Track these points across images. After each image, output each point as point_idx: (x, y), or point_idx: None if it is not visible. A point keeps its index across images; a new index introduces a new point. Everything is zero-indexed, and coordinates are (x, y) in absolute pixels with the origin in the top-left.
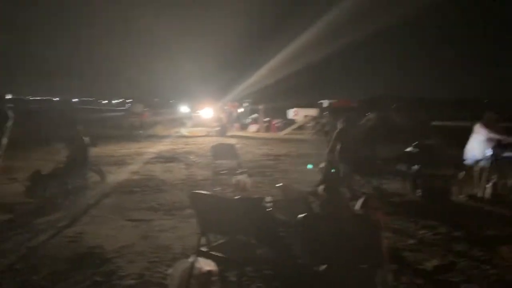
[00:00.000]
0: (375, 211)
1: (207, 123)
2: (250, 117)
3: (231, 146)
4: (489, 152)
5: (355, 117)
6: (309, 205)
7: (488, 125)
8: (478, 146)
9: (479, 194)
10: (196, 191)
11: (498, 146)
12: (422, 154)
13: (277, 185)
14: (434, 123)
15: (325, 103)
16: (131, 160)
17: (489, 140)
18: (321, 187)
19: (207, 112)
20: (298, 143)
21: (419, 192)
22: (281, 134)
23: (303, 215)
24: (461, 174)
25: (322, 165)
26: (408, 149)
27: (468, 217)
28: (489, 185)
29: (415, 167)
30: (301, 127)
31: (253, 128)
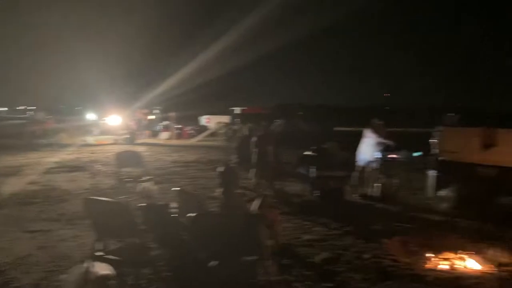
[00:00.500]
0: (270, 210)
1: (115, 131)
2: (161, 124)
3: (137, 154)
4: (377, 154)
5: (265, 123)
6: (203, 207)
7: (376, 131)
8: (368, 149)
9: (370, 193)
10: (91, 197)
11: (385, 149)
12: (318, 157)
13: (172, 188)
14: (336, 128)
15: (237, 110)
16: (30, 170)
17: (378, 143)
18: (218, 190)
19: (115, 119)
20: (209, 150)
21: (316, 193)
22: (193, 141)
23: (193, 214)
24: (355, 175)
25: (221, 169)
26: (307, 153)
27: (358, 214)
28: (377, 185)
29: (313, 169)
30: (213, 134)
31: (164, 135)
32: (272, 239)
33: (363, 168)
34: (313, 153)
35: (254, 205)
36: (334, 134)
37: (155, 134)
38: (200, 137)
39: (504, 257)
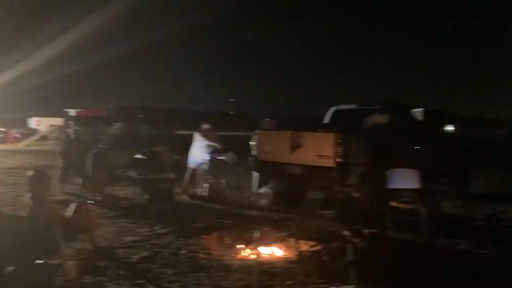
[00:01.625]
0: (86, 215)
1: None
2: None
3: None
4: (206, 156)
5: (103, 126)
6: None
7: (204, 134)
8: (198, 152)
9: (200, 193)
10: None
11: (214, 151)
12: (148, 160)
13: None
14: (179, 132)
15: (72, 112)
16: None
17: (207, 146)
18: (27, 195)
19: None
20: (38, 155)
21: (146, 196)
22: (21, 145)
23: None
24: (186, 176)
25: (29, 173)
26: (137, 156)
27: (185, 214)
28: (207, 185)
29: (142, 172)
30: (45, 137)
31: None
32: (90, 243)
33: (194, 170)
34: (143, 156)
35: (69, 210)
36: (175, 137)
37: None
38: (29, 141)
39: (303, 245)
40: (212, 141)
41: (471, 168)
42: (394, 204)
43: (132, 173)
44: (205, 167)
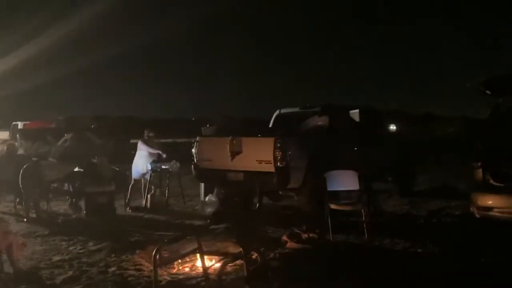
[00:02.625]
0: (5, 236)
1: None
2: None
3: None
4: (149, 166)
5: (51, 138)
6: None
7: (147, 142)
8: (141, 161)
9: (144, 205)
10: None
11: (156, 160)
12: (85, 172)
13: None
14: (133, 140)
15: (20, 125)
16: None
17: (150, 154)
18: None
19: None
20: None
21: (83, 210)
22: None
23: None
24: (128, 188)
25: None
26: (75, 169)
27: (125, 228)
28: (149, 196)
29: (77, 185)
30: None
31: None
32: (11, 265)
33: (136, 181)
34: (80, 169)
35: None
36: (129, 147)
37: None
38: None
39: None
40: (155, 149)
41: (415, 166)
42: (334, 206)
43: (69, 187)
44: (148, 177)
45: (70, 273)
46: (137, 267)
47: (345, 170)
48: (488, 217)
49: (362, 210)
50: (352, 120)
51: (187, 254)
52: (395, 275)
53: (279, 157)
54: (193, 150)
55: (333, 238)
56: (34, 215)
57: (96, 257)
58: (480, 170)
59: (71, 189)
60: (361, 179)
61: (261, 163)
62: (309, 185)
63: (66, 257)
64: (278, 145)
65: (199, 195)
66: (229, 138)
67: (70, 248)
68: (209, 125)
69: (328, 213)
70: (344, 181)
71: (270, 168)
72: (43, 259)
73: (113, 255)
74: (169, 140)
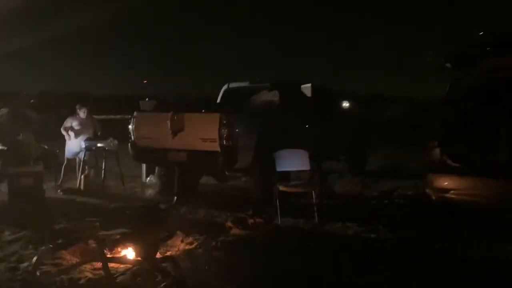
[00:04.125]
0: None
1: None
2: None
3: None
4: (83, 144)
5: None
6: None
7: (80, 119)
8: (74, 139)
9: (78, 186)
10: None
11: (90, 138)
12: (9, 151)
13: None
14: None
15: None
16: None
17: (83, 132)
18: None
19: None
20: None
21: (5, 193)
22: None
23: None
24: (59, 168)
25: None
26: None
27: (51, 213)
28: (83, 176)
29: (1, 165)
30: None
31: None
32: None
33: (69, 160)
34: (3, 147)
35: None
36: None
37: None
38: None
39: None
40: (90, 126)
41: (368, 146)
42: (283, 188)
43: None
44: (82, 156)
45: None
46: (56, 261)
47: (296, 149)
48: (444, 199)
49: (313, 192)
50: (304, 96)
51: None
52: (347, 263)
53: (225, 135)
54: (130, 126)
55: (281, 222)
56: None
57: (10, 249)
58: (437, 150)
59: None
60: (312, 159)
61: (205, 141)
62: (258, 166)
63: None
64: (224, 122)
65: (140, 176)
66: (170, 113)
67: None
68: (148, 99)
69: (276, 196)
70: (295, 161)
71: (215, 147)
72: None
73: (30, 246)
74: (111, 117)
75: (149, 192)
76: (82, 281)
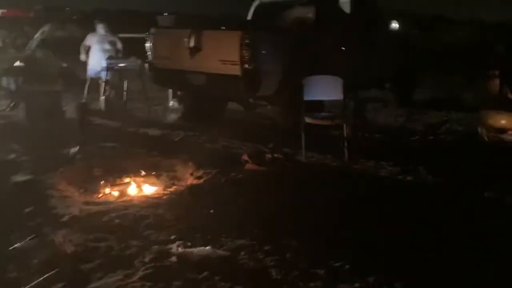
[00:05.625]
0: None
1: None
2: None
3: None
4: (104, 63)
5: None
6: None
7: (101, 36)
8: (96, 58)
9: (99, 107)
10: None
11: (112, 57)
12: (27, 68)
13: None
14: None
15: None
16: None
17: (105, 51)
18: None
19: None
20: None
21: (23, 112)
22: None
23: None
24: (86, 87)
25: None
26: (16, 64)
27: (66, 135)
28: (103, 97)
29: (20, 82)
30: None
31: None
32: None
33: (92, 79)
34: (21, 63)
35: None
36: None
37: None
38: None
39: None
40: (111, 44)
41: (417, 72)
42: (309, 121)
43: (7, 84)
44: (104, 75)
45: None
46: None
47: (326, 75)
48: (500, 140)
49: (344, 126)
50: (343, 12)
51: None
52: (369, 209)
53: (247, 57)
54: (146, 44)
55: (306, 158)
56: None
57: (17, 169)
58: (496, 81)
59: (9, 86)
60: (346, 87)
61: (225, 63)
62: (284, 93)
63: None
64: (247, 41)
65: (166, 98)
66: (188, 30)
67: None
68: (167, 14)
69: (303, 128)
70: (324, 89)
71: (236, 70)
72: None
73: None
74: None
75: (172, 116)
76: (64, 218)
